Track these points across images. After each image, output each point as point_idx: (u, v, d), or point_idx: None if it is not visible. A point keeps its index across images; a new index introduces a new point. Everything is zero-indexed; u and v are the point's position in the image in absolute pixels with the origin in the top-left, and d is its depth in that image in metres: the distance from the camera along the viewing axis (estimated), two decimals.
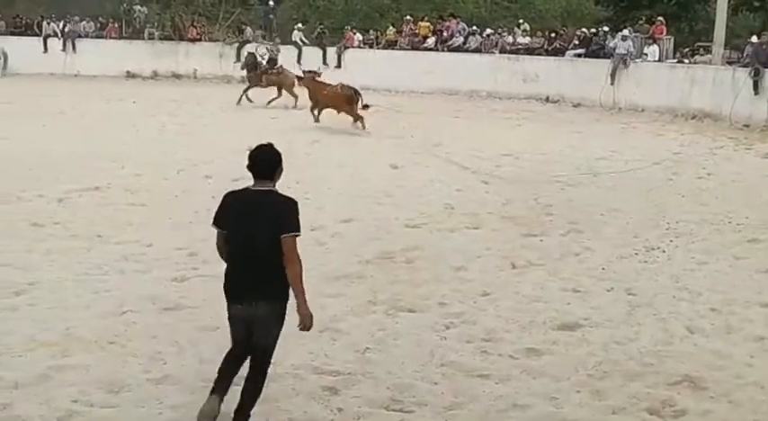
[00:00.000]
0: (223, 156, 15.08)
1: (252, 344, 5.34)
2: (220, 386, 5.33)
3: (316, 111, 20.32)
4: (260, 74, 24.83)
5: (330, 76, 25.25)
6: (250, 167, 5.27)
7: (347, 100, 19.55)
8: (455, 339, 6.98)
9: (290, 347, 6.57)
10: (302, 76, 21.97)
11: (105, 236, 9.82)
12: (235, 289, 5.30)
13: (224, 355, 5.46)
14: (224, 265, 5.40)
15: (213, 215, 5.38)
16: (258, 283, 5.17)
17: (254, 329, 5.29)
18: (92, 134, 17.50)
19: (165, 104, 23.29)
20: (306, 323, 5.33)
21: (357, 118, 19.15)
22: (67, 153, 14.95)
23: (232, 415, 5.27)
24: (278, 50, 26.73)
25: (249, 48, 32.19)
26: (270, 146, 5.33)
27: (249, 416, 5.30)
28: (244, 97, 23.90)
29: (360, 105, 19.36)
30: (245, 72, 25.32)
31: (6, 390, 5.79)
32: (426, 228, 10.55)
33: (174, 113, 21.73)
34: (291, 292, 5.28)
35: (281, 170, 5.32)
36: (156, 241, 9.64)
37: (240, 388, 5.37)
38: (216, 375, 5.38)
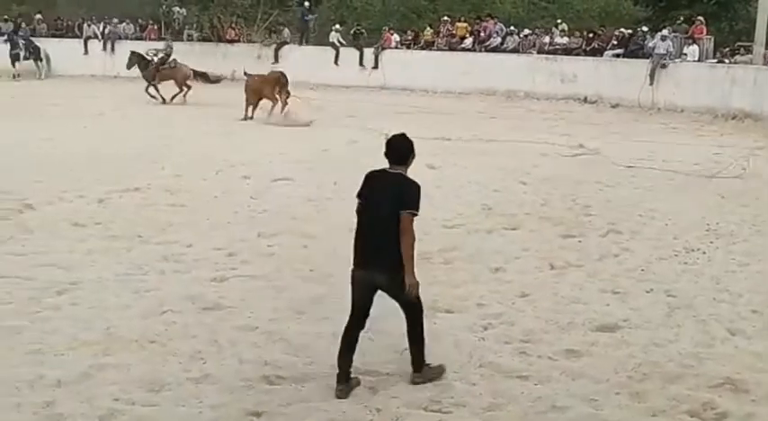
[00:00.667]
0: (261, 157, 15.21)
1: (401, 305, 6.04)
2: (344, 368, 6.00)
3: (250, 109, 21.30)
4: (153, 70, 25.39)
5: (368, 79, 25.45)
6: (386, 154, 5.96)
7: (274, 82, 21.13)
8: (493, 340, 6.97)
9: (329, 348, 6.61)
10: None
11: (145, 236, 9.91)
12: (359, 255, 5.97)
13: (345, 325, 6.06)
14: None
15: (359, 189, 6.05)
16: (377, 254, 5.84)
17: (387, 293, 5.98)
18: (132, 135, 17.68)
19: (203, 106, 23.46)
20: (413, 290, 5.89)
21: (281, 102, 20.76)
22: (108, 154, 15.13)
23: (411, 374, 6.11)
24: (171, 48, 27.06)
25: (287, 49, 32.50)
26: (404, 135, 5.99)
27: (423, 359, 6.13)
28: (160, 96, 24.66)
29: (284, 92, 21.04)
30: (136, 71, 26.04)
31: (49, 389, 5.87)
32: (464, 229, 10.54)
33: (212, 114, 21.87)
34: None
35: (414, 156, 5.98)
36: (196, 241, 9.71)
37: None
38: (338, 347, 6.05)
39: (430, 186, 12.92)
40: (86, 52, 34.01)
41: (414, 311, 6.04)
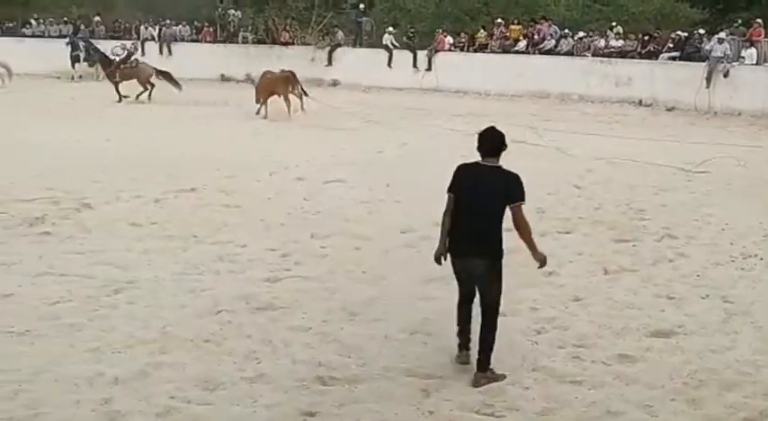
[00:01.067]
0: (314, 159, 15.29)
1: (480, 296, 6.30)
2: (463, 339, 6.48)
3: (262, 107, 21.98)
4: (114, 69, 25.81)
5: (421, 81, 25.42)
6: (479, 147, 6.21)
7: (284, 81, 21.71)
8: (547, 344, 6.94)
9: (381, 349, 6.66)
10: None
11: (201, 236, 10.03)
12: (457, 246, 6.20)
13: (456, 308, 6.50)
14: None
15: (449, 184, 6.26)
16: (479, 243, 6.13)
17: (476, 284, 6.27)
18: (187, 136, 17.92)
19: (257, 107, 23.64)
20: (542, 263, 6.48)
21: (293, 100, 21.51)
22: (164, 155, 15.35)
23: (475, 362, 6.30)
24: (135, 48, 28.48)
25: (341, 51, 32.63)
26: (494, 128, 6.25)
27: (489, 361, 6.24)
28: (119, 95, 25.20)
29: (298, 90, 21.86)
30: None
31: (107, 386, 5.97)
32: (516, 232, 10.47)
33: (266, 117, 22.06)
34: None
35: (505, 149, 6.21)
36: (250, 242, 9.80)
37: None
38: (456, 329, 6.51)
39: None
40: (143, 54, 34.44)
41: (492, 310, 6.28)
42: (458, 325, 6.52)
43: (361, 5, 33.75)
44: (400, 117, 21.86)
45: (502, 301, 6.30)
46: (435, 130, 19.13)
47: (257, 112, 22.05)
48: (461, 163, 6.35)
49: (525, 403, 5.89)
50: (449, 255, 6.27)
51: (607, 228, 10.81)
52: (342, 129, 19.57)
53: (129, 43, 28.56)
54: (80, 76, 32.48)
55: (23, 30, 37.13)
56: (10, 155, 14.90)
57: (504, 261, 8.48)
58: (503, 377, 6.27)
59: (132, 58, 26.32)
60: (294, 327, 7.15)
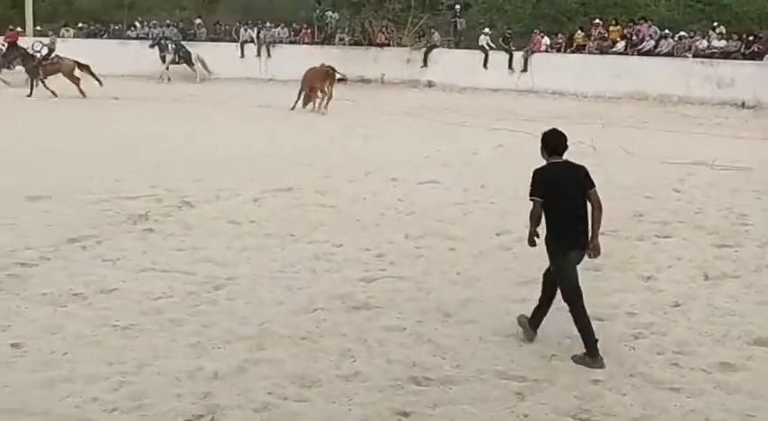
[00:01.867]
0: (409, 160, 15.35)
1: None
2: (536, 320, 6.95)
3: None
4: (37, 65, 26.26)
5: (517, 82, 25.25)
6: (545, 148, 6.70)
7: (324, 75, 23.11)
8: (645, 350, 6.81)
9: (475, 352, 6.65)
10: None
11: (297, 235, 10.17)
12: (568, 238, 6.56)
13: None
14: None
15: (530, 190, 6.60)
16: (583, 234, 6.59)
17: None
18: (284, 136, 18.22)
19: (351, 108, 23.88)
20: (596, 252, 6.69)
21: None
22: (262, 154, 15.66)
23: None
24: (54, 43, 28.77)
25: (436, 52, 32.63)
26: (556, 130, 6.76)
27: (596, 347, 6.52)
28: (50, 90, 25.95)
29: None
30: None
31: (207, 380, 6.10)
32: (614, 236, 10.31)
33: (360, 117, 22.26)
34: None
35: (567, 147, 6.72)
36: (345, 242, 9.90)
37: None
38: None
39: None
40: (242, 56, 35.11)
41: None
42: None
43: (457, 6, 33.69)
44: (496, 118, 21.77)
45: (602, 309, 6.26)
46: (531, 132, 18.95)
47: (292, 108, 23.48)
48: (536, 168, 6.66)
49: (622, 409, 5.80)
50: (559, 253, 6.60)
51: (707, 233, 10.57)
52: (436, 129, 19.59)
53: (47, 40, 29.48)
54: (168, 79, 33.23)
55: (128, 32, 38.22)
56: (116, 153, 15.38)
57: (598, 264, 8.43)
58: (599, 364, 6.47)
59: (53, 53, 27.28)
60: (389, 327, 7.19)
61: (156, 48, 34.20)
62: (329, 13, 36.34)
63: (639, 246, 10.02)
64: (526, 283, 8.31)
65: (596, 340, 6.49)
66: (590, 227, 6.58)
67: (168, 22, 38.20)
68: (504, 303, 7.78)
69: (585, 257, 6.65)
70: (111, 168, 13.68)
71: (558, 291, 6.68)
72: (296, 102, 23.69)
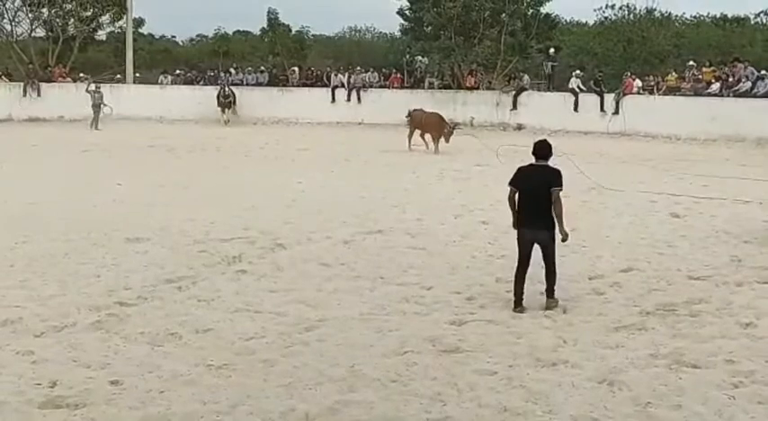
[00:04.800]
0: (499, 203, 15.24)
1: (544, 254, 8.84)
2: (518, 295, 8.90)
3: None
4: None
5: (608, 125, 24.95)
6: (534, 152, 8.84)
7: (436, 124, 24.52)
8: (745, 399, 6.58)
9: (568, 397, 6.54)
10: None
11: (387, 277, 10.21)
12: (523, 219, 8.80)
13: (515, 272, 8.95)
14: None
15: (509, 180, 8.90)
16: (538, 218, 8.66)
17: (540, 246, 8.79)
18: (375, 180, 18.36)
19: (443, 151, 23.97)
20: (565, 239, 8.89)
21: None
22: (354, 197, 15.83)
23: (545, 293, 8.95)
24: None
25: (526, 95, 32.60)
26: (545, 140, 8.96)
27: (554, 291, 8.92)
28: None
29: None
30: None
31: None
32: (712, 281, 10.07)
33: (451, 160, 22.31)
34: None
35: (551, 155, 8.82)
36: (435, 284, 9.90)
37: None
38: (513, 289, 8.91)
39: (674, 236, 12.59)
40: (333, 100, 35.63)
41: (550, 258, 8.84)
42: (515, 284, 8.94)
43: (552, 50, 33.67)
44: (587, 161, 21.53)
45: (699, 356, 6.09)
46: (622, 175, 18.71)
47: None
48: (519, 166, 9.05)
49: None
50: (517, 228, 8.97)
51: None
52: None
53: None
54: (227, 121, 33.94)
55: (223, 78, 39.26)
56: (211, 197, 15.75)
57: (696, 310, 8.22)
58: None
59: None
60: (480, 371, 7.13)
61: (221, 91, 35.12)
62: (419, 57, 36.70)
63: (738, 291, 9.73)
64: (619, 329, 8.21)
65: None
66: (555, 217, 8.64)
67: (262, 68, 39.11)
68: (598, 348, 7.65)
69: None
70: (206, 212, 13.99)
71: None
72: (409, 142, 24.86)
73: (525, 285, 8.90)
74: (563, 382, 6.87)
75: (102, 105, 31.06)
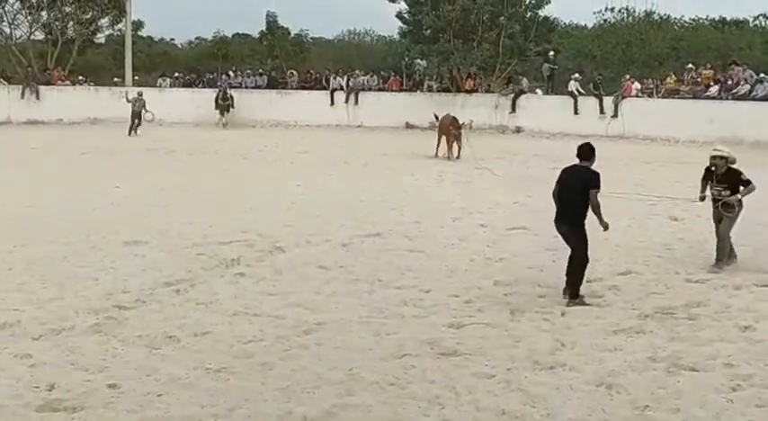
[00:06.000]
0: (498, 206, 15.32)
1: (572, 248, 9.35)
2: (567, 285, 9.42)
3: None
4: None
5: (607, 128, 24.90)
6: (577, 154, 9.40)
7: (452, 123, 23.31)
8: (743, 403, 6.59)
9: (566, 400, 6.54)
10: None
11: (385, 280, 10.21)
12: (556, 214, 9.43)
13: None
14: None
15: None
16: (564, 214, 9.31)
17: (569, 241, 9.33)
18: (374, 182, 18.38)
19: (442, 154, 23.96)
20: (606, 228, 9.44)
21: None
22: (353, 200, 15.84)
23: (566, 290, 9.29)
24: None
25: (524, 98, 32.64)
26: (588, 143, 9.52)
27: (578, 289, 9.24)
28: None
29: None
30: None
31: None
32: (710, 284, 10.09)
33: (450, 163, 22.33)
34: None
35: (595, 156, 9.42)
36: (433, 287, 9.90)
37: None
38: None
39: (672, 239, 12.60)
40: (332, 103, 35.63)
41: (576, 255, 9.25)
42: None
43: (551, 53, 33.69)
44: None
45: (697, 359, 6.03)
46: (622, 178, 18.70)
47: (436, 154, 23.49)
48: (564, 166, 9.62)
49: None
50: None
51: None
52: (526, 176, 19.50)
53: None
54: (225, 124, 34.05)
55: (221, 81, 39.25)
56: (209, 199, 15.76)
57: (694, 313, 8.23)
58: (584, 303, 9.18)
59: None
60: (478, 374, 7.13)
61: (221, 94, 35.14)
62: (417, 60, 36.71)
63: (736, 294, 9.74)
64: (617, 332, 8.21)
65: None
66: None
67: (261, 70, 39.12)
68: (596, 352, 7.66)
69: None
70: (205, 215, 13.99)
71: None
72: (437, 148, 24.00)
73: (531, 288, 9.38)
74: (561, 385, 6.87)
75: (144, 112, 30.47)
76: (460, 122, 23.53)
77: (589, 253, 9.29)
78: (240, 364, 7.27)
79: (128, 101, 30.70)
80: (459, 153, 23.36)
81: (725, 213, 10.68)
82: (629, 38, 37.33)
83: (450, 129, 23.34)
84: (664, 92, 30.91)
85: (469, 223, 13.94)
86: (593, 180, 9.15)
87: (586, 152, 9.37)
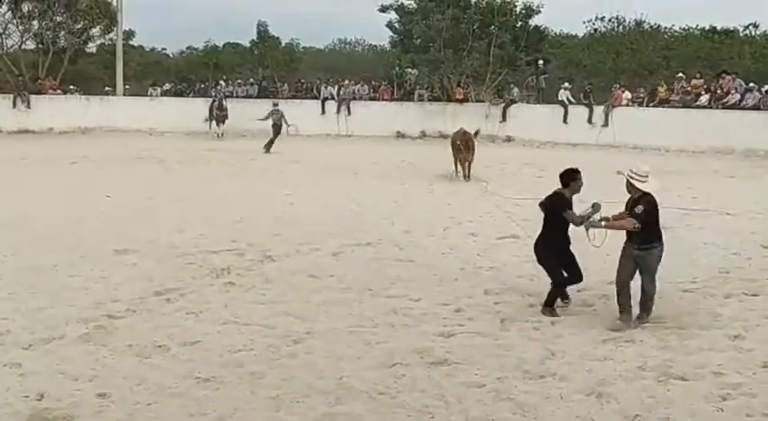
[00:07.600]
0: (488, 215, 15.32)
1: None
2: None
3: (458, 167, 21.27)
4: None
5: (597, 137, 24.89)
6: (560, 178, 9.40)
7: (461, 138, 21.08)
8: (733, 412, 6.60)
9: (556, 410, 6.55)
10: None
11: (375, 289, 10.21)
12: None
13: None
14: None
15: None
16: (538, 239, 9.44)
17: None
18: (364, 191, 18.38)
19: (432, 163, 23.97)
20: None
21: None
22: (343, 209, 15.84)
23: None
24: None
25: (515, 107, 32.72)
26: (568, 170, 9.46)
27: (553, 299, 9.21)
28: None
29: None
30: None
31: None
32: (699, 293, 10.11)
33: (439, 172, 22.33)
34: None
35: (578, 182, 9.45)
36: (424, 296, 9.89)
37: None
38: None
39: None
40: (323, 112, 35.65)
41: (551, 276, 9.34)
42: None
43: (541, 62, 33.81)
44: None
45: (686, 369, 6.02)
46: (612, 187, 18.74)
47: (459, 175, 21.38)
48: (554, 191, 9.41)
49: None
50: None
51: None
52: (516, 185, 19.51)
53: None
54: (220, 134, 33.91)
55: (213, 90, 39.28)
56: (200, 209, 15.74)
57: (684, 323, 8.25)
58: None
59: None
60: (468, 383, 7.13)
61: (217, 103, 34.98)
62: (408, 70, 36.78)
63: (726, 303, 9.77)
64: (607, 341, 8.22)
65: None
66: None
67: (252, 80, 39.13)
68: (586, 361, 7.67)
69: None
70: (195, 225, 13.98)
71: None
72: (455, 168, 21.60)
73: (521, 297, 9.40)
74: (551, 395, 6.87)
75: (283, 125, 28.62)
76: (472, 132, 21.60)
77: (565, 272, 9.31)
78: (230, 374, 7.26)
79: (263, 119, 28.98)
80: (469, 171, 21.08)
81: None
82: (620, 47, 37.44)
83: (458, 145, 21.06)
84: (654, 101, 31.00)
85: (459, 232, 13.96)
86: (557, 202, 9.25)
87: (563, 179, 9.41)
